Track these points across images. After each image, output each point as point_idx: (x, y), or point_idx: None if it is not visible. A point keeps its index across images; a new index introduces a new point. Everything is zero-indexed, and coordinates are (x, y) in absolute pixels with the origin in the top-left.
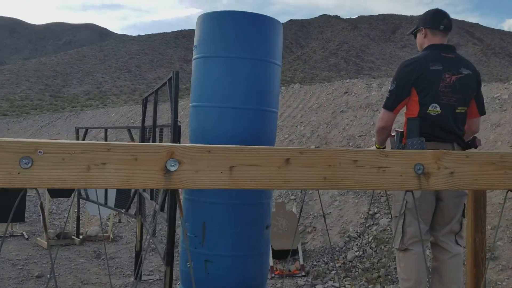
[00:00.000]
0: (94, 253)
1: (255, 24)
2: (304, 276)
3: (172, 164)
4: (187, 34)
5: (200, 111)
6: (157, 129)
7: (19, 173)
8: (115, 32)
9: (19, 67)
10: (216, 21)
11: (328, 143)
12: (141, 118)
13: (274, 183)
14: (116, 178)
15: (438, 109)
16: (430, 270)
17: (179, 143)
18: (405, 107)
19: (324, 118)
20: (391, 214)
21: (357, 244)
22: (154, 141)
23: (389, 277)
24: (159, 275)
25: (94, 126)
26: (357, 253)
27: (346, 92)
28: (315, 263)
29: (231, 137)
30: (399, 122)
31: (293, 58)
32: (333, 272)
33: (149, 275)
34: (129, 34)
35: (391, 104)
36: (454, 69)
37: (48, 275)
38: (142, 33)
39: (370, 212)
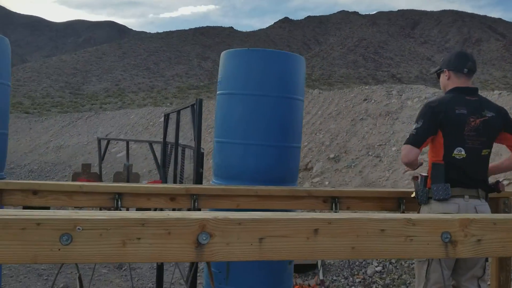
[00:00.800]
0: (116, 263)
1: (278, 62)
2: None
3: (204, 238)
4: (205, 31)
5: (224, 147)
6: (179, 148)
7: (59, 250)
8: (134, 29)
9: (40, 65)
10: (239, 58)
11: (347, 152)
12: (162, 132)
13: (303, 254)
14: (150, 252)
15: (463, 152)
16: None
17: (202, 169)
18: (429, 151)
19: (343, 125)
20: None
21: (377, 259)
22: (176, 159)
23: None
24: None
25: (116, 138)
26: (377, 268)
27: (366, 99)
28: (335, 277)
29: (255, 173)
30: (424, 164)
31: (311, 55)
32: (353, 287)
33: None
34: (148, 31)
35: (417, 141)
36: (478, 113)
37: None
38: (160, 30)
39: None
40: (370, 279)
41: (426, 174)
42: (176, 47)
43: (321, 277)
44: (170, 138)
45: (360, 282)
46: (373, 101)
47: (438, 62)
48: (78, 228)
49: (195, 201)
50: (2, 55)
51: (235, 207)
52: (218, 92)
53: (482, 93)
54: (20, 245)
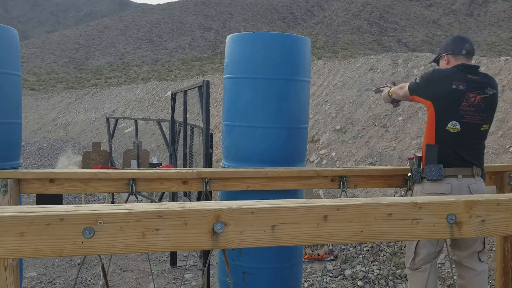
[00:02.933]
0: None
1: (284, 45)
2: (333, 260)
3: (219, 227)
4: (206, 1)
5: (233, 130)
6: (188, 127)
7: (82, 243)
8: (135, 1)
9: (43, 40)
10: (245, 42)
11: (353, 123)
12: (170, 111)
13: (313, 239)
14: (168, 242)
15: (458, 126)
16: (457, 286)
17: (211, 149)
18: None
19: (349, 96)
20: None
21: None
22: (184, 138)
23: None
24: (193, 260)
25: (124, 117)
26: None
27: (371, 69)
28: (343, 246)
29: (264, 155)
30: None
31: (315, 22)
32: (361, 256)
33: (183, 261)
34: (149, 3)
35: (414, 90)
36: (479, 89)
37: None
38: (162, 1)
39: (397, 196)
40: (378, 247)
41: (420, 155)
42: (178, 18)
43: (330, 246)
44: (178, 116)
45: (368, 250)
46: (378, 70)
47: (444, 25)
48: (100, 222)
49: (206, 184)
50: (11, 46)
51: (245, 189)
52: (225, 76)
53: (489, 58)
54: (45, 240)
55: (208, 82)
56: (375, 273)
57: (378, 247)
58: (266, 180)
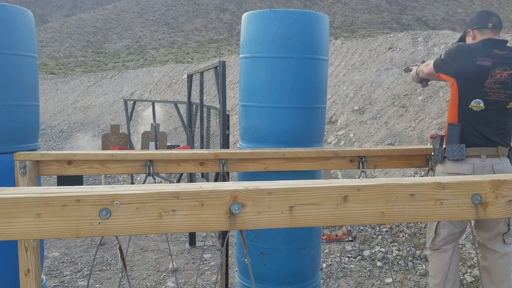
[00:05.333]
0: None
1: (301, 22)
2: (351, 241)
3: (236, 208)
4: None
5: (249, 110)
6: (205, 109)
7: (99, 224)
8: None
9: (61, 25)
10: (261, 20)
11: (372, 103)
12: (186, 92)
13: (333, 220)
14: (185, 223)
15: (482, 104)
16: (479, 268)
17: (228, 130)
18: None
19: (368, 76)
20: None
21: None
22: (201, 120)
23: None
24: (212, 241)
25: (142, 99)
26: None
27: (391, 48)
28: (361, 227)
29: (281, 136)
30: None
31: (332, 1)
32: (380, 237)
33: (202, 241)
34: None
35: (439, 66)
36: (507, 65)
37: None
38: None
39: (417, 177)
40: (397, 228)
41: (443, 134)
42: (194, 0)
43: (348, 227)
44: (195, 98)
45: (387, 231)
46: (398, 49)
47: (465, 2)
48: (116, 203)
49: (223, 165)
50: (26, 28)
51: (263, 170)
52: (240, 56)
53: None
54: (62, 221)
55: (224, 62)
56: (394, 254)
57: (397, 228)
58: (283, 161)
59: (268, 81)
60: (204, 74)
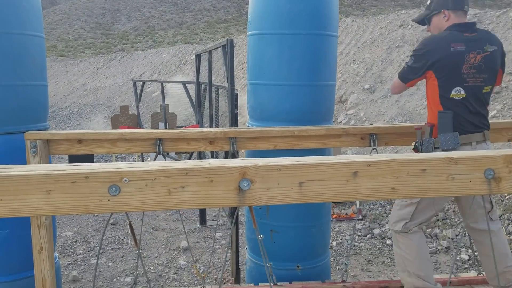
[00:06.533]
0: None
1: None
2: (361, 219)
3: (245, 184)
4: None
5: (258, 88)
6: (213, 88)
7: (109, 200)
8: None
9: (69, 6)
10: None
11: (383, 81)
12: (195, 73)
13: (343, 195)
14: (194, 199)
15: (462, 92)
16: (478, 253)
17: (237, 109)
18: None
19: (379, 54)
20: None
21: None
22: (210, 100)
23: (448, 220)
24: (223, 220)
25: (150, 80)
26: None
27: (402, 25)
28: (371, 206)
29: (291, 114)
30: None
31: None
32: (390, 215)
33: (213, 220)
34: None
35: (405, 77)
36: (479, 48)
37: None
38: None
39: None
40: None
41: (432, 123)
42: None
43: (358, 206)
44: (203, 78)
45: None
46: (409, 26)
47: None
48: (125, 180)
49: (233, 143)
50: (33, 8)
51: (272, 148)
52: (248, 33)
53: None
54: (72, 198)
55: (232, 40)
56: None
57: None
58: (293, 139)
59: (276, 58)
60: (212, 54)
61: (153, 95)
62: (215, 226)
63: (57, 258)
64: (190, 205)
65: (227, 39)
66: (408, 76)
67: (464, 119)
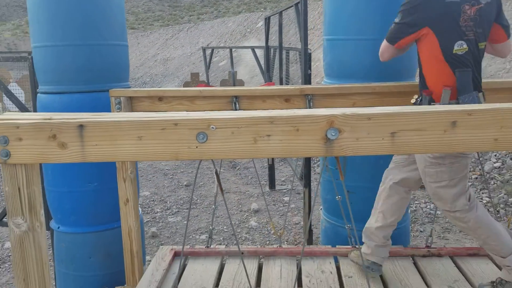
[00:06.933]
0: (230, 163)
1: None
2: None
3: (333, 133)
4: None
5: (335, 44)
6: (284, 51)
7: (196, 147)
8: None
9: None
10: None
11: None
12: (264, 36)
13: (439, 147)
14: (280, 148)
15: (465, 46)
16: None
17: (310, 70)
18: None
19: None
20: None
21: (495, 155)
22: (280, 63)
23: None
24: (291, 185)
25: (219, 46)
26: (495, 164)
27: None
28: None
29: (370, 71)
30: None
31: None
32: (470, 183)
33: (281, 185)
34: None
35: (393, 37)
36: (473, 0)
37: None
38: None
39: None
40: (488, 175)
41: (431, 91)
42: None
43: None
44: (272, 42)
45: (476, 178)
46: None
47: None
48: (212, 127)
49: (309, 101)
50: None
51: (351, 106)
52: None
53: None
54: (161, 144)
55: None
56: (484, 201)
57: (488, 175)
58: (373, 96)
59: (357, 11)
60: (283, 17)
61: (219, 64)
62: (285, 190)
63: (140, 211)
64: (275, 154)
65: None
66: (396, 35)
67: (474, 76)
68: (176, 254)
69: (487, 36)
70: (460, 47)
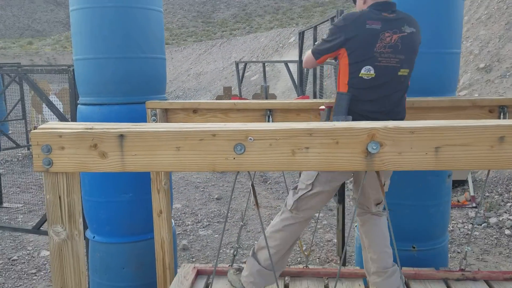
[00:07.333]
0: (261, 177)
1: None
2: (475, 207)
3: (374, 147)
4: None
5: None
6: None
7: (234, 159)
8: None
9: None
10: None
11: (500, 60)
12: (298, 50)
13: (486, 163)
14: (318, 161)
15: (372, 72)
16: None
17: None
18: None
19: (496, 31)
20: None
21: None
22: (314, 77)
23: None
24: None
25: (252, 61)
26: None
27: None
28: (487, 194)
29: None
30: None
31: None
32: (509, 204)
33: None
34: None
35: (317, 53)
36: (396, 28)
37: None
38: None
39: None
40: None
41: (331, 105)
42: None
43: (471, 193)
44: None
45: None
46: None
47: None
48: (250, 139)
49: None
50: None
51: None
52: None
53: None
54: (199, 155)
55: (342, 11)
56: None
57: None
58: (412, 111)
59: None
60: (318, 30)
61: (251, 78)
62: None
63: (173, 223)
64: (314, 167)
65: (337, 10)
66: (320, 52)
67: (367, 102)
68: (199, 273)
69: (413, 63)
70: (367, 71)
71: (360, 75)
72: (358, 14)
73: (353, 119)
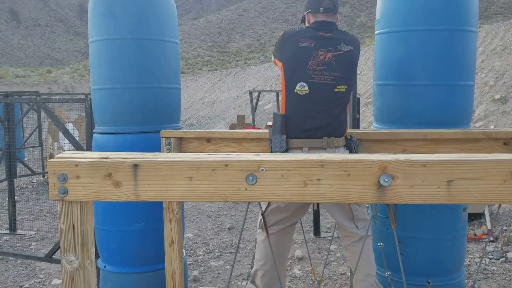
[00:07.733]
0: None
1: None
2: (492, 241)
3: (386, 180)
4: None
5: (385, 89)
6: None
7: (246, 189)
8: None
9: (190, 27)
10: None
11: None
12: None
13: (499, 197)
14: (330, 192)
15: (306, 88)
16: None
17: (358, 114)
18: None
19: (511, 62)
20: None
21: None
22: None
23: None
24: (337, 232)
25: (266, 90)
26: None
27: None
28: (505, 227)
29: (422, 116)
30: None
31: None
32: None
33: (327, 232)
34: None
35: (274, 53)
36: (331, 46)
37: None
38: None
39: None
40: None
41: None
42: None
43: (488, 226)
44: None
45: None
46: None
47: None
48: (262, 169)
49: (357, 146)
50: (170, 16)
51: (400, 152)
52: (376, 32)
53: None
54: (211, 185)
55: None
56: None
57: None
58: (425, 142)
59: (407, 57)
60: None
61: (265, 107)
62: (330, 237)
63: (185, 253)
64: (325, 198)
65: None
66: (274, 53)
67: (302, 121)
68: None
69: (351, 80)
70: (301, 88)
71: (295, 91)
72: (294, 32)
73: (288, 139)
